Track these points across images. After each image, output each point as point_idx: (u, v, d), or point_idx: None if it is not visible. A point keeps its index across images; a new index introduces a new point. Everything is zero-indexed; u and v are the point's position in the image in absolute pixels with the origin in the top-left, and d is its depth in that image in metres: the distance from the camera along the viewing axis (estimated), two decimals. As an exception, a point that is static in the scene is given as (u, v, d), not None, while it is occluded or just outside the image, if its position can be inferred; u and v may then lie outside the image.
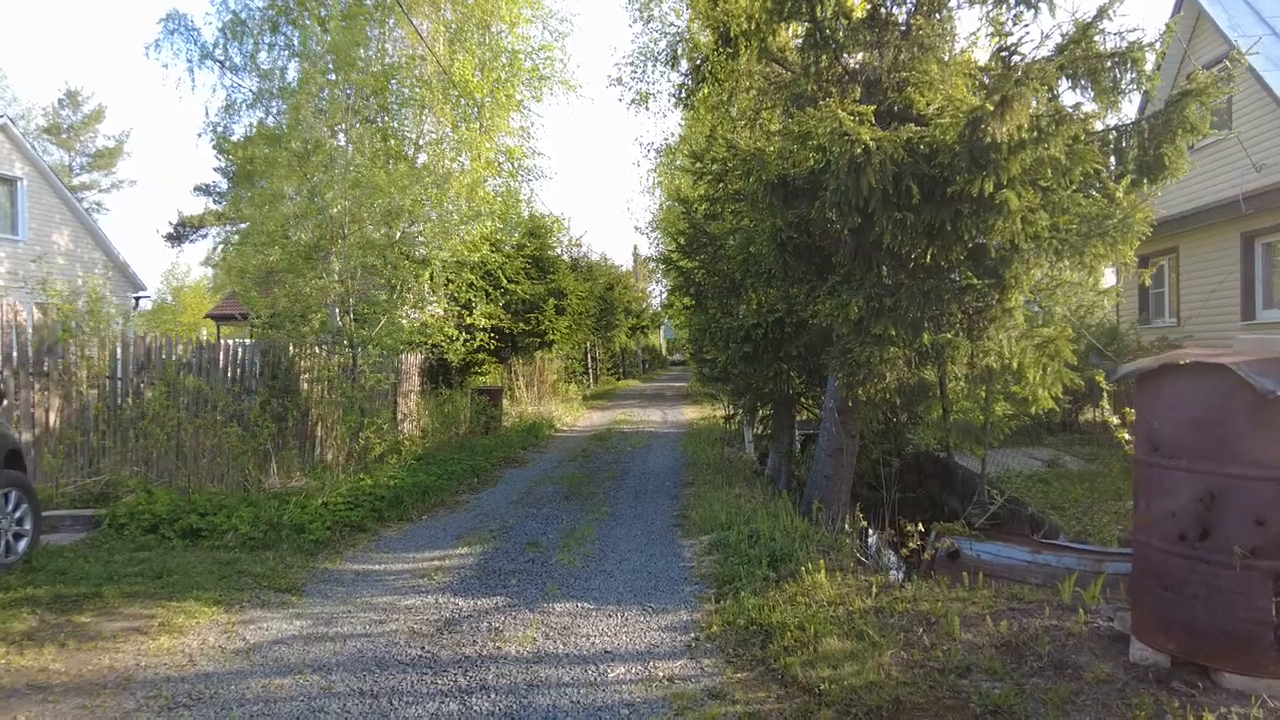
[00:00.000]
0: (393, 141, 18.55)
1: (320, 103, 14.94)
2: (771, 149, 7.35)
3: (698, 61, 8.18)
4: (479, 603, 5.54)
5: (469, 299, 20.40)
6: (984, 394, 6.89)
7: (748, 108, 8.99)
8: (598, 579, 6.09)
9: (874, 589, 4.77)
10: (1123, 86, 7.89)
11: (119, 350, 9.95)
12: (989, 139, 5.13)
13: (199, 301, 51.43)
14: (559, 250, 30.18)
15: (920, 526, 6.27)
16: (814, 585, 5.01)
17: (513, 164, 22.89)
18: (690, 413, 21.23)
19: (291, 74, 16.78)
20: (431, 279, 18.26)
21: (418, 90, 19.56)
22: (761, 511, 7.32)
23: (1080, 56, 7.88)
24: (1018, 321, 6.22)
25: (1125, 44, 7.84)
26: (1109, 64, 7.71)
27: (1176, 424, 3.43)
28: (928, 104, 6.15)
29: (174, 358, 10.19)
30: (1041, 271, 6.12)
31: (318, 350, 13.22)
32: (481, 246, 20.24)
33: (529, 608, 5.39)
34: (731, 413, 11.83)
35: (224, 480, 9.21)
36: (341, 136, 15.26)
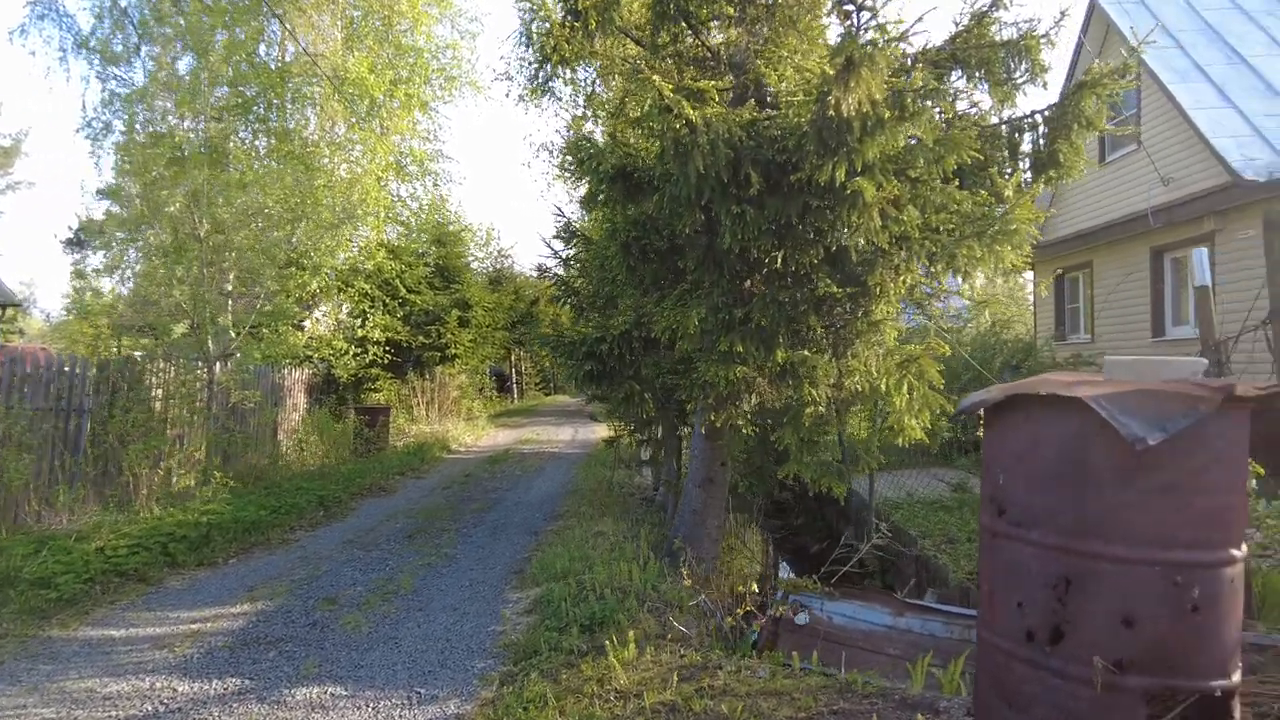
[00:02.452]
0: (279, 140, 17.29)
1: (180, 93, 13.51)
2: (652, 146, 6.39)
3: (548, 39, 7.16)
4: (205, 687, 4.36)
5: (363, 310, 19.09)
6: (856, 420, 6.02)
7: (614, 97, 8.02)
8: (379, 649, 4.94)
9: (676, 677, 3.75)
10: (1016, 78, 7.18)
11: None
12: (837, 114, 4.22)
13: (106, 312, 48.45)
14: (482, 260, 28.93)
15: (751, 590, 5.27)
16: (611, 667, 3.97)
17: (420, 167, 21.75)
18: (603, 430, 20.11)
19: (184, 67, 15.32)
20: (321, 288, 16.96)
21: (316, 87, 18.31)
22: (607, 556, 6.28)
23: (973, 45, 7.16)
24: (885, 337, 5.34)
25: (1019, 33, 7.15)
26: (1002, 54, 6.99)
27: (1025, 479, 2.49)
28: (780, 79, 5.25)
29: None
30: (913, 278, 5.25)
31: (169, 365, 11.82)
32: (377, 253, 18.95)
33: (263, 696, 4.22)
34: (614, 434, 10.78)
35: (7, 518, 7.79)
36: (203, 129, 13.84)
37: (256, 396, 12.81)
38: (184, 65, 14.85)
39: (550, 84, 7.79)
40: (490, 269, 30.18)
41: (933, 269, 4.99)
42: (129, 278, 14.75)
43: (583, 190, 10.25)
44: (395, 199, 21.60)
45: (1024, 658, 2.44)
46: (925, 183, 4.74)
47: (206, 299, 12.14)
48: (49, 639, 5.18)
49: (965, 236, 4.83)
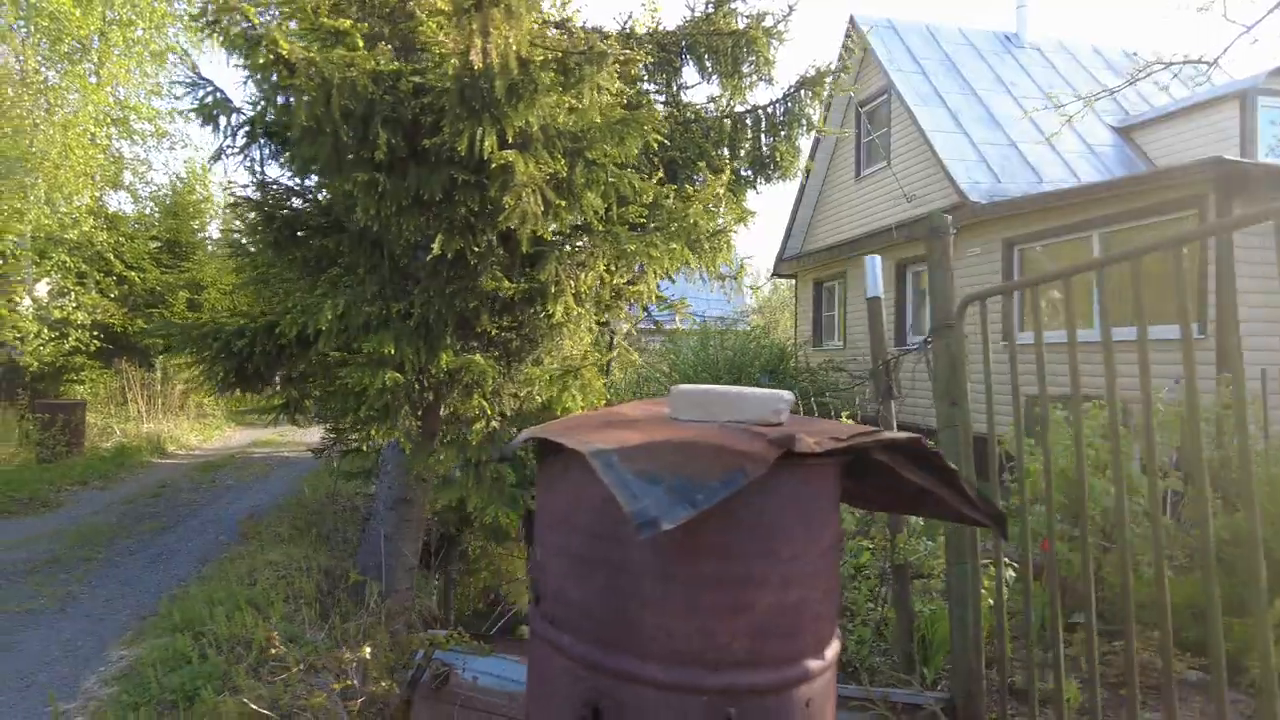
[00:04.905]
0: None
1: None
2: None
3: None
4: None
5: (67, 287, 16.30)
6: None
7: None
8: None
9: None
10: (743, 70, 6.83)
11: None
12: (477, 67, 3.44)
13: None
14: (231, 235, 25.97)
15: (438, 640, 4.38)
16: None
17: (155, 126, 19.04)
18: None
19: None
20: (5, 258, 14.22)
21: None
22: (264, 593, 5.18)
23: (703, 32, 6.71)
24: (566, 344, 4.68)
25: (745, 23, 6.80)
26: (729, 44, 6.60)
27: (562, 557, 1.78)
28: (440, 28, 4.41)
29: None
30: (595, 275, 4.60)
31: None
32: (86, 220, 16.24)
33: None
34: (322, 442, 9.39)
35: None
36: None
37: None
38: None
39: (217, 23, 6.48)
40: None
41: (613, 266, 4.37)
42: None
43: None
44: (119, 159, 18.74)
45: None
46: (602, 166, 4.08)
47: None
48: None
49: (649, 232, 4.24)
